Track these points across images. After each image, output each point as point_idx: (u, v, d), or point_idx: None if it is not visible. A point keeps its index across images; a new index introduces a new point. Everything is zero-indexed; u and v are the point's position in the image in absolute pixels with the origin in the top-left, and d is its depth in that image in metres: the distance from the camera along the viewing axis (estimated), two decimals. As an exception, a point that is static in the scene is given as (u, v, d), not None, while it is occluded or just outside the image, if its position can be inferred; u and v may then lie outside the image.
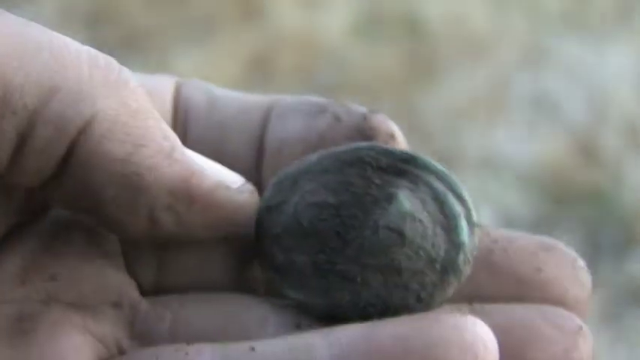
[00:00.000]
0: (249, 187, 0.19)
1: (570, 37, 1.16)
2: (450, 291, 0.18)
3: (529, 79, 1.10)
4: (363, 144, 0.19)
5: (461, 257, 0.18)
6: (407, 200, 0.18)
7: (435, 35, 1.16)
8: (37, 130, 0.16)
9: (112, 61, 0.17)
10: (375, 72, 1.06)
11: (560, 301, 0.20)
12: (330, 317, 0.18)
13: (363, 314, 0.18)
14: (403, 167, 0.18)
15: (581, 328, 0.19)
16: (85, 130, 0.16)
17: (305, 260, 0.19)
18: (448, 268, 0.18)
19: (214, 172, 0.18)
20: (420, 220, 0.18)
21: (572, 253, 0.20)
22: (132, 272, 0.20)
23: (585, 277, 0.20)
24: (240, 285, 0.20)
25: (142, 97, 0.17)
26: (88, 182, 0.17)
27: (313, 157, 0.19)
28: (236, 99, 0.21)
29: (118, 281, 0.20)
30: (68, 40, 0.17)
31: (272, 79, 1.02)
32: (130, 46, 1.14)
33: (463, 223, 0.18)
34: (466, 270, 0.18)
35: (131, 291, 0.20)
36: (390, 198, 0.18)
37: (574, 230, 0.90)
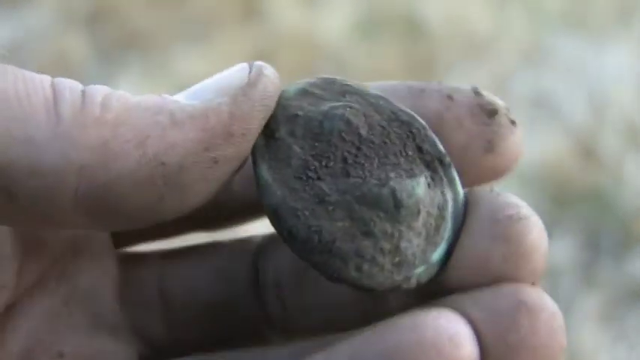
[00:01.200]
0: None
1: (570, 37, 1.16)
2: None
3: (529, 79, 1.10)
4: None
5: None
6: (424, 189, 0.18)
7: (435, 35, 1.16)
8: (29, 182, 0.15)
9: (76, 87, 0.17)
10: (375, 72, 1.06)
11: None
12: (272, 215, 0.17)
13: (297, 237, 0.17)
14: (435, 165, 0.18)
15: None
16: (81, 172, 0.16)
17: (299, 153, 0.18)
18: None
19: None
20: (420, 211, 0.18)
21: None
22: (139, 333, 0.21)
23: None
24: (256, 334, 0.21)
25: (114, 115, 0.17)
26: (105, 206, 0.16)
27: (387, 87, 0.19)
28: None
29: (125, 357, 0.20)
30: (29, 78, 0.16)
31: (272, 79, 1.02)
32: (130, 46, 1.14)
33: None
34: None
35: None
36: (413, 176, 0.18)
37: (574, 230, 0.90)
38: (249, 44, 1.09)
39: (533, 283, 0.17)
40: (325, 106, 0.18)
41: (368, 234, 0.17)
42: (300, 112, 0.18)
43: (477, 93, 0.19)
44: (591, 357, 0.77)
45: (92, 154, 0.16)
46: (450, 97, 0.19)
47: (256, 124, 0.17)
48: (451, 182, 0.19)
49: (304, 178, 0.18)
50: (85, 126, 0.16)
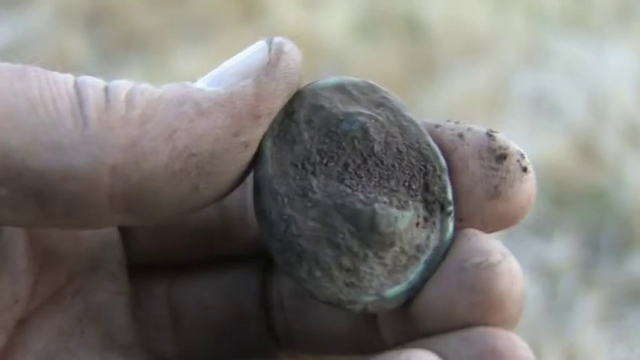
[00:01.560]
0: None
1: (570, 37, 1.16)
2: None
3: (529, 79, 1.10)
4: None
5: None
6: (408, 224, 0.18)
7: (435, 35, 1.16)
8: (63, 186, 0.15)
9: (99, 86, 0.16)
10: (375, 72, 1.05)
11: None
12: (255, 187, 0.17)
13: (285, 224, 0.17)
14: (433, 208, 0.18)
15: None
16: (113, 173, 0.15)
17: (306, 141, 0.17)
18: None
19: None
20: (394, 244, 0.17)
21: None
22: (150, 351, 0.20)
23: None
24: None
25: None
26: (140, 202, 0.16)
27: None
28: None
29: None
30: (57, 80, 0.16)
31: (272, 79, 1.02)
32: (130, 46, 1.14)
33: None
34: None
35: None
36: (403, 208, 0.18)
37: (574, 230, 0.90)
38: (249, 44, 1.09)
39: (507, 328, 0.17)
40: (352, 109, 0.18)
41: (333, 244, 0.17)
42: (326, 105, 0.18)
43: (490, 135, 0.18)
44: (591, 357, 0.77)
45: (122, 154, 0.15)
46: (461, 136, 0.18)
47: (281, 102, 0.17)
48: (442, 231, 0.18)
49: (300, 167, 0.18)
50: (111, 127, 0.15)
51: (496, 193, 0.17)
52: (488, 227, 0.18)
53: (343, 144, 0.17)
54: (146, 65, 1.08)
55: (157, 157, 0.16)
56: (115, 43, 1.12)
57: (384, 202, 0.17)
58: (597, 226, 0.90)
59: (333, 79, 0.18)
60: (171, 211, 0.17)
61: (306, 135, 0.17)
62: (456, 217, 0.18)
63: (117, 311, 0.20)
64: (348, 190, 0.17)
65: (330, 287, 0.17)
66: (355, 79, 0.19)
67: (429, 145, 0.18)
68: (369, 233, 0.17)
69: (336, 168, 0.17)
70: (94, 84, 0.16)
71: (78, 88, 0.16)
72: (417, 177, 0.18)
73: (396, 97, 0.18)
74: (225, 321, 0.21)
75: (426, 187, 0.18)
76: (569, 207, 0.93)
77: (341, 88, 0.18)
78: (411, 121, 0.18)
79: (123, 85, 0.16)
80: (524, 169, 0.18)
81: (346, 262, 0.17)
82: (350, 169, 0.17)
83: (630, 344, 0.79)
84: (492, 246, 0.16)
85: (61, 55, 1.07)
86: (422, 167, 0.18)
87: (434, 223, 0.18)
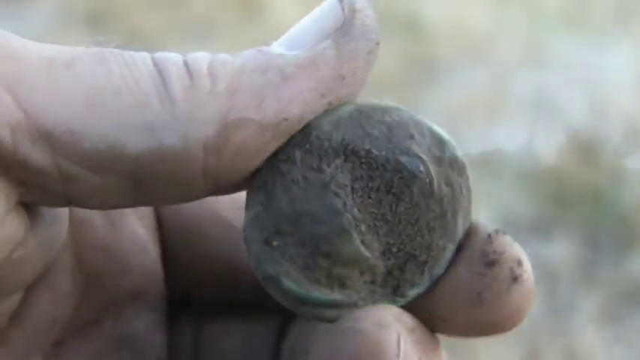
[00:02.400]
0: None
1: (570, 37, 1.16)
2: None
3: (529, 79, 1.10)
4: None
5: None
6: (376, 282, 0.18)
7: (435, 35, 1.16)
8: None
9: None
10: (375, 72, 1.05)
11: None
12: (277, 168, 0.17)
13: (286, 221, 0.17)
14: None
15: None
16: (205, 148, 0.15)
17: (333, 142, 0.17)
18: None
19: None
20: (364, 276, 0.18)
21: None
22: None
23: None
24: None
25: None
26: (234, 172, 0.16)
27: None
28: None
29: None
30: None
31: (272, 79, 1.02)
32: (130, 46, 1.13)
33: None
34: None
35: None
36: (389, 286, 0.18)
37: (574, 230, 0.90)
38: (249, 44, 1.09)
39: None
40: (411, 150, 0.17)
41: (326, 253, 0.17)
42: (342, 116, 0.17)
43: (491, 236, 0.17)
44: (591, 357, 0.77)
45: (213, 129, 0.15)
46: (467, 234, 0.18)
47: (362, 61, 0.17)
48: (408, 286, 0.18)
49: (344, 169, 0.17)
50: (199, 102, 0.15)
51: (478, 300, 0.17)
52: (472, 333, 0.17)
53: (393, 180, 0.17)
54: (146, 65, 1.08)
55: (249, 127, 0.15)
56: (115, 43, 1.11)
57: (389, 259, 0.17)
58: (597, 226, 0.90)
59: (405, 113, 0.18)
60: None
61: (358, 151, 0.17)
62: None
63: (155, 342, 0.20)
64: (370, 219, 0.17)
65: (301, 285, 0.16)
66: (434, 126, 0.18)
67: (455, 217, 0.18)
68: (352, 263, 0.17)
69: (378, 195, 0.17)
70: (173, 60, 0.16)
71: (158, 67, 0.16)
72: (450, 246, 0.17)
73: (454, 145, 0.18)
74: None
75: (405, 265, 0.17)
76: (569, 207, 0.93)
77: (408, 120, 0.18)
78: (464, 183, 0.18)
79: (202, 58, 0.16)
80: (516, 279, 0.17)
81: (322, 275, 0.17)
82: (393, 207, 0.17)
83: (630, 344, 0.79)
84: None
85: (61, 55, 1.07)
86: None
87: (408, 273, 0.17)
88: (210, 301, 0.21)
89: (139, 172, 0.15)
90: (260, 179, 0.17)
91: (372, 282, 0.17)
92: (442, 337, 0.17)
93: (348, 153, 0.17)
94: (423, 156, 0.17)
